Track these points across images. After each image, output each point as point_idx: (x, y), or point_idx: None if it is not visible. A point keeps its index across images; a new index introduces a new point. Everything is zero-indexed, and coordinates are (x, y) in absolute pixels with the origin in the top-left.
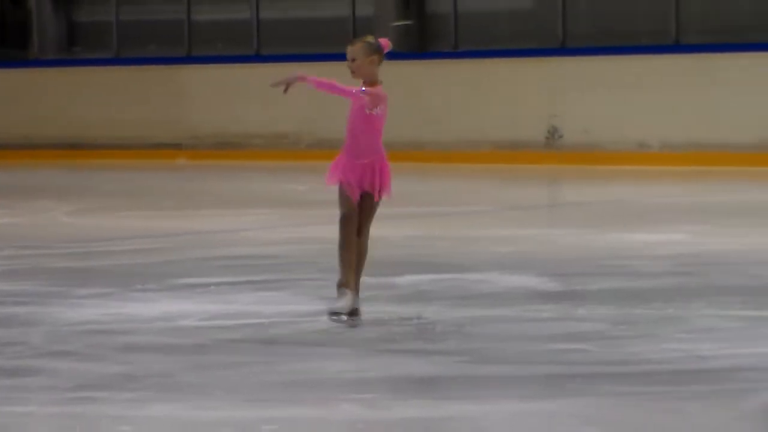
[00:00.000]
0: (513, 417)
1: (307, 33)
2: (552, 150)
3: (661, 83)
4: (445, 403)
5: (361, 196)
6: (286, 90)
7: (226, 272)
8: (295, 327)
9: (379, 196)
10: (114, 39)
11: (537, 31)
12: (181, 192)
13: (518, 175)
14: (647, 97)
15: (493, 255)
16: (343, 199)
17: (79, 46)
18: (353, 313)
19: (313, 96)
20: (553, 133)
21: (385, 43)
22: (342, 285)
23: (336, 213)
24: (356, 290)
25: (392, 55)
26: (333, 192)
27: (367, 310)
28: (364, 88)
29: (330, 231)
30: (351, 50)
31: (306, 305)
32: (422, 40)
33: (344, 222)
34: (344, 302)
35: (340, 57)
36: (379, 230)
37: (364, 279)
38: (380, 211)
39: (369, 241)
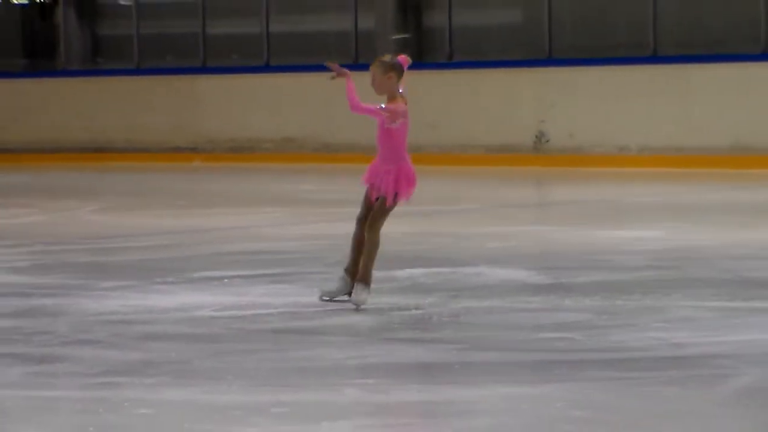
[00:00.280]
0: (504, 400)
1: (313, 45)
2: (540, 153)
3: (640, 92)
4: (441, 387)
5: (376, 197)
6: (333, 77)
7: (239, 266)
8: (302, 317)
9: (395, 201)
10: (135, 51)
11: (526, 43)
12: (197, 192)
13: (509, 176)
14: (627, 104)
15: (485, 250)
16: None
17: (102, 58)
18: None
19: (318, 103)
20: (540, 138)
21: (403, 59)
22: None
23: (338, 211)
24: (351, 275)
25: None
26: (337, 192)
27: (369, 301)
28: (383, 105)
29: (335, 228)
30: (371, 70)
31: (313, 297)
32: (419, 52)
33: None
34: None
35: (344, 67)
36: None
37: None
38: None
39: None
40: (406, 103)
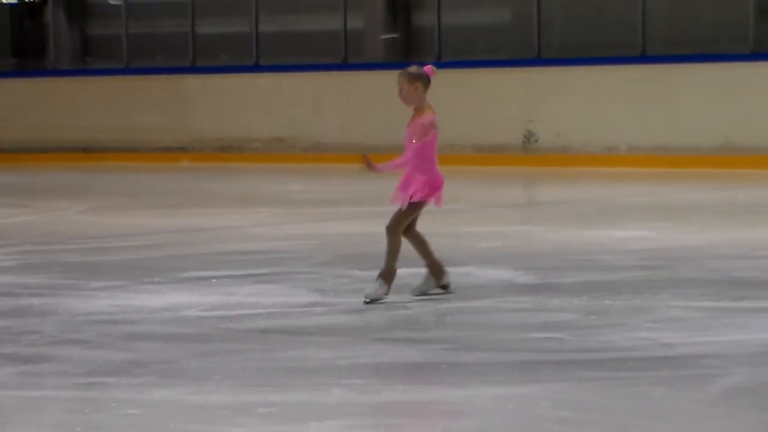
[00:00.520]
0: (492, 400)
1: (303, 45)
2: (528, 153)
3: (629, 91)
4: (429, 387)
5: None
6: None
7: (228, 266)
8: (290, 317)
9: (416, 206)
10: (124, 50)
11: (514, 43)
12: (186, 192)
13: (497, 176)
14: (616, 104)
15: (474, 250)
16: None
17: (91, 57)
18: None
19: (308, 103)
20: (529, 137)
21: (429, 69)
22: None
23: (327, 211)
24: (430, 268)
25: (380, 66)
26: (325, 192)
27: (356, 302)
28: (414, 141)
29: (323, 228)
30: (398, 81)
31: (301, 297)
32: (408, 52)
33: None
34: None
35: (332, 67)
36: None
37: (355, 272)
38: (368, 208)
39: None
40: (433, 113)
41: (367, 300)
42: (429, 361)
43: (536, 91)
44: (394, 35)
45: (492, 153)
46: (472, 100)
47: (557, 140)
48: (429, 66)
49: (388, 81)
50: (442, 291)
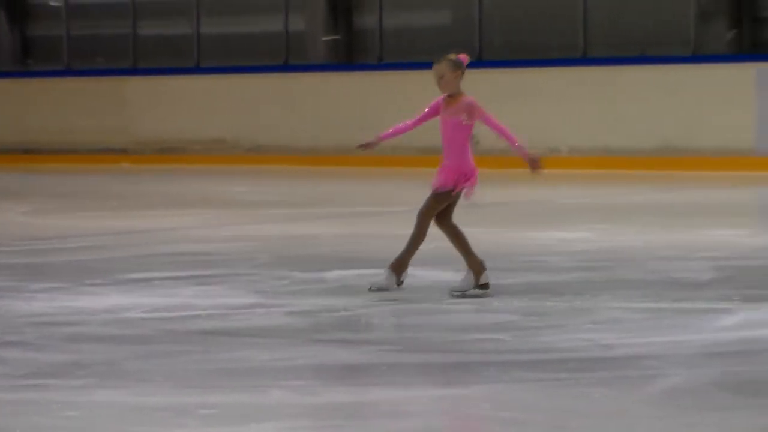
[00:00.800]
0: (432, 402)
1: (244, 47)
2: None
3: (570, 93)
4: (369, 388)
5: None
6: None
7: (169, 268)
8: (230, 318)
9: (449, 194)
10: (65, 52)
11: (455, 44)
12: (127, 194)
13: None
14: (557, 105)
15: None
16: None
17: (32, 59)
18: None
19: (249, 105)
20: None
21: (464, 57)
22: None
23: (268, 213)
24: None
25: (322, 67)
26: (267, 193)
27: (296, 303)
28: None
29: (264, 229)
30: (437, 68)
31: (241, 298)
32: (350, 53)
33: None
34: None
35: (274, 69)
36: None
37: (295, 274)
38: (309, 210)
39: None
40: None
41: (373, 288)
42: (369, 363)
43: (477, 94)
44: (336, 37)
45: (435, 155)
46: (414, 102)
47: (498, 142)
48: (464, 55)
49: (329, 82)
50: (480, 292)
